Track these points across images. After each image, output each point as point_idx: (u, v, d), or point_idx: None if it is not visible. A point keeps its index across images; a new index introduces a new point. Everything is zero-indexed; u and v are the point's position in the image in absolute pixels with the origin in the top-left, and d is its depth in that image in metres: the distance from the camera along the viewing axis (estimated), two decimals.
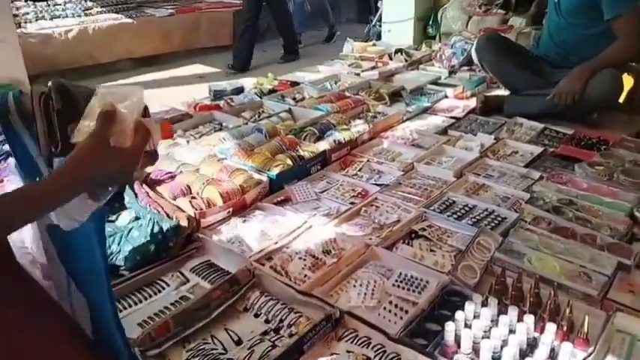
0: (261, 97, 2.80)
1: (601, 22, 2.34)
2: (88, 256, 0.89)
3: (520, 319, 1.14)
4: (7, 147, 0.90)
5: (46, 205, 0.74)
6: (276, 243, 1.53)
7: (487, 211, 1.71)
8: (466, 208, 1.73)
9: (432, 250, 1.52)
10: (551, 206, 1.66)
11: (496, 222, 1.65)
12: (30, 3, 5.28)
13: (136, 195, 1.63)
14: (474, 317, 1.17)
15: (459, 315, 1.16)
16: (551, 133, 2.37)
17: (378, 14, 4.57)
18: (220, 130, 2.37)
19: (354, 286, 1.35)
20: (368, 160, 2.10)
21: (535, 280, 1.29)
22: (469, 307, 1.17)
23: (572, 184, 1.82)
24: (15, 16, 4.46)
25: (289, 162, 1.97)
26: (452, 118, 2.58)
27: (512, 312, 1.15)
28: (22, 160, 0.84)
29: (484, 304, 1.21)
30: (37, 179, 0.84)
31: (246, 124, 2.38)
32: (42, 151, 0.84)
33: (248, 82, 3.23)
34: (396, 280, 1.36)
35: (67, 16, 5.18)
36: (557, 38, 2.57)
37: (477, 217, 1.67)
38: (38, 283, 0.88)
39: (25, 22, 4.91)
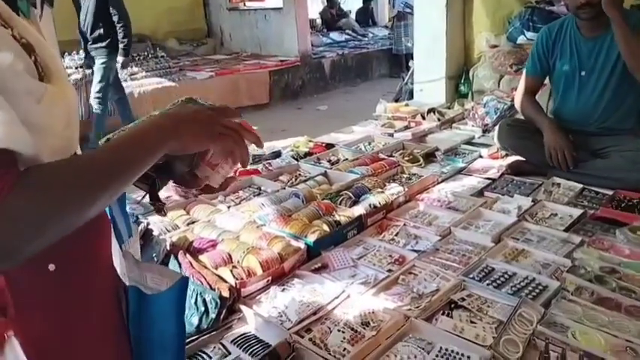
0: (297, 160, 2.89)
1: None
2: (163, 326, 0.87)
3: None
4: None
5: (133, 152, 0.71)
6: (315, 314, 1.55)
7: (527, 280, 1.69)
8: (506, 276, 1.71)
9: (472, 322, 1.51)
10: (594, 275, 1.63)
11: (537, 291, 1.62)
12: (80, 70, 5.63)
13: (180, 265, 1.69)
14: None
15: None
16: (590, 194, 2.34)
17: (409, 73, 4.68)
18: (259, 194, 2.44)
19: None
20: (404, 225, 2.12)
21: (580, 355, 1.27)
22: None
23: (615, 250, 1.79)
24: None
25: (326, 228, 2.00)
26: (487, 178, 2.59)
27: None
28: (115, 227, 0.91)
29: None
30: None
31: (284, 188, 2.45)
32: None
33: (286, 143, 3.34)
34: (437, 356, 1.35)
35: None
36: (596, 108, 2.50)
37: (518, 286, 1.65)
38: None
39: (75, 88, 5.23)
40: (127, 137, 0.74)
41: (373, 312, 1.55)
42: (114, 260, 0.84)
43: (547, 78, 2.71)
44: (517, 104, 2.76)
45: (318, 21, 10.29)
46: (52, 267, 0.72)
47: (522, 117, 2.77)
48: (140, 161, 0.72)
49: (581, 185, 2.38)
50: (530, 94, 2.70)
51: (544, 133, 2.52)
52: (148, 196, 0.93)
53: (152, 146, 0.73)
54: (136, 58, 6.10)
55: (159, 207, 0.95)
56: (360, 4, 11.04)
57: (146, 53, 6.33)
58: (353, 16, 10.84)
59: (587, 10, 2.35)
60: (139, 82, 5.57)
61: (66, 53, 5.56)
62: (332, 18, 10.22)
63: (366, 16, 10.76)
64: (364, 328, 1.48)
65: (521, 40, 3.78)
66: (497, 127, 2.80)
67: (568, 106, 2.59)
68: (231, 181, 0.96)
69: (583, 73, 2.49)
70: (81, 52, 5.98)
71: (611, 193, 2.29)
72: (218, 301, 1.51)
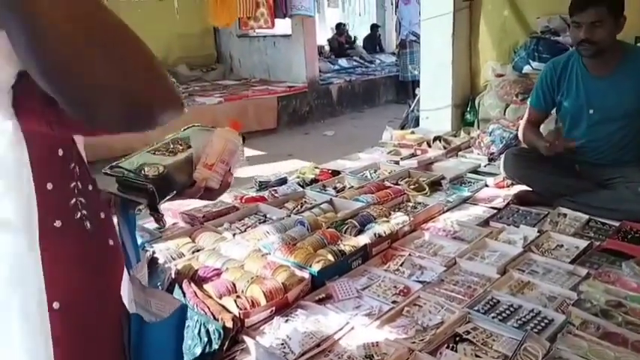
0: (303, 187, 2.90)
1: None
2: (161, 354, 0.88)
3: None
4: None
5: None
6: (319, 346, 1.54)
7: (533, 313, 1.67)
8: (511, 309, 1.70)
9: (477, 356, 1.49)
10: (600, 309, 1.62)
11: (542, 325, 1.61)
12: None
13: (184, 294, 1.70)
14: None
15: None
16: (597, 225, 2.33)
17: (416, 100, 4.72)
18: (265, 221, 2.45)
19: None
20: (409, 255, 2.11)
21: None
22: None
23: (621, 283, 1.78)
24: None
25: (330, 257, 2.00)
26: (493, 208, 2.58)
27: None
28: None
29: None
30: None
31: (289, 215, 2.46)
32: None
33: (292, 168, 3.37)
34: None
35: None
36: (605, 144, 2.49)
37: (523, 319, 1.64)
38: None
39: None
40: None
41: (377, 344, 1.54)
42: (122, 288, 0.85)
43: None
44: (519, 134, 2.76)
45: (327, 48, 10.43)
46: (56, 305, 0.73)
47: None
48: None
49: (587, 216, 2.38)
50: (533, 125, 2.69)
51: (541, 150, 2.49)
52: (147, 207, 0.94)
53: None
54: None
55: (158, 217, 0.97)
56: (368, 31, 11.20)
57: None
58: (360, 42, 10.98)
59: (587, 47, 2.32)
60: None
61: None
62: (340, 45, 10.35)
63: (373, 43, 10.90)
64: None
65: (526, 69, 3.81)
66: (502, 157, 2.80)
67: (575, 140, 2.57)
68: (229, 177, 0.98)
69: (591, 112, 2.46)
70: None
71: (617, 224, 2.28)
72: (221, 331, 1.51)
